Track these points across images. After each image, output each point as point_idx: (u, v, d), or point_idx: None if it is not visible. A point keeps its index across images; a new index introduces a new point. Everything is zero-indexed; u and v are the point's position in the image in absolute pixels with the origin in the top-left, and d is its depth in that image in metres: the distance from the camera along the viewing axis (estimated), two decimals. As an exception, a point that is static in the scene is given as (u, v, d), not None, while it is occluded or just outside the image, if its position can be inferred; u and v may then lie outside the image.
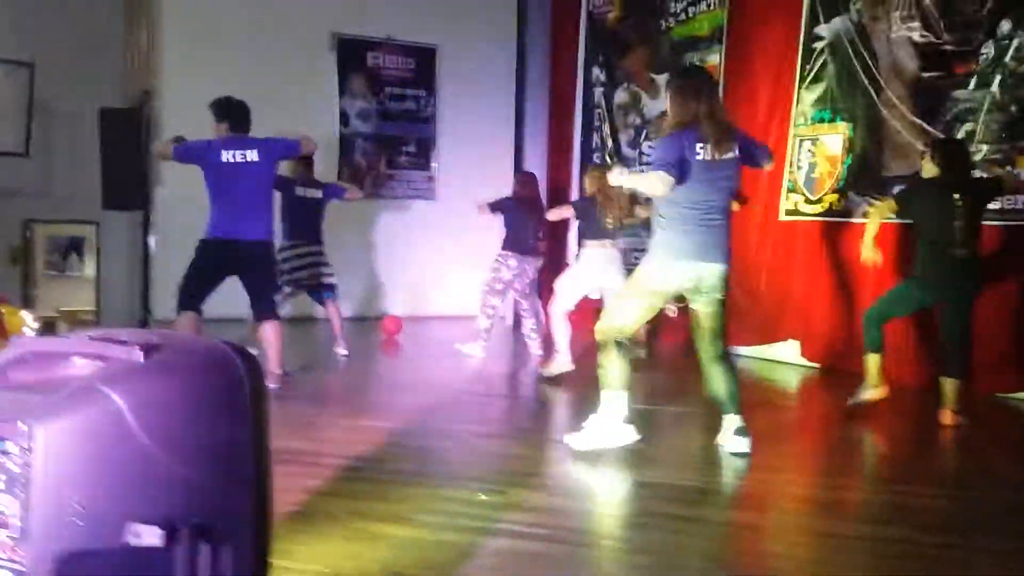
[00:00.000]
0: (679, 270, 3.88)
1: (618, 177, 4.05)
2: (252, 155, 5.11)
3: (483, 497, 3.25)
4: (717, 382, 4.00)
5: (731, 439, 3.97)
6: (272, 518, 1.71)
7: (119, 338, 1.57)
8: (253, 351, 1.72)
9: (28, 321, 5.32)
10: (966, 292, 4.76)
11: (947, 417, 4.64)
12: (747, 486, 3.75)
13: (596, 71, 9.81)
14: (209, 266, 5.13)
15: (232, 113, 5.21)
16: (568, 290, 6.02)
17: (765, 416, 5.27)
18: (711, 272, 3.88)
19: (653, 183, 3.79)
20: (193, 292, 5.12)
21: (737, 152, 3.92)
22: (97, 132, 7.37)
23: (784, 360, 7.07)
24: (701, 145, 3.79)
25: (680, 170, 3.75)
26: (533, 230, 6.87)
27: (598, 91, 9.76)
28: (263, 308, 5.29)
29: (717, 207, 3.89)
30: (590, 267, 5.91)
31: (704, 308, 3.95)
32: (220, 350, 1.63)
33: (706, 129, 3.80)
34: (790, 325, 7.10)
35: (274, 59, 9.47)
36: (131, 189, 7.21)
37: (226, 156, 5.07)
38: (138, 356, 1.50)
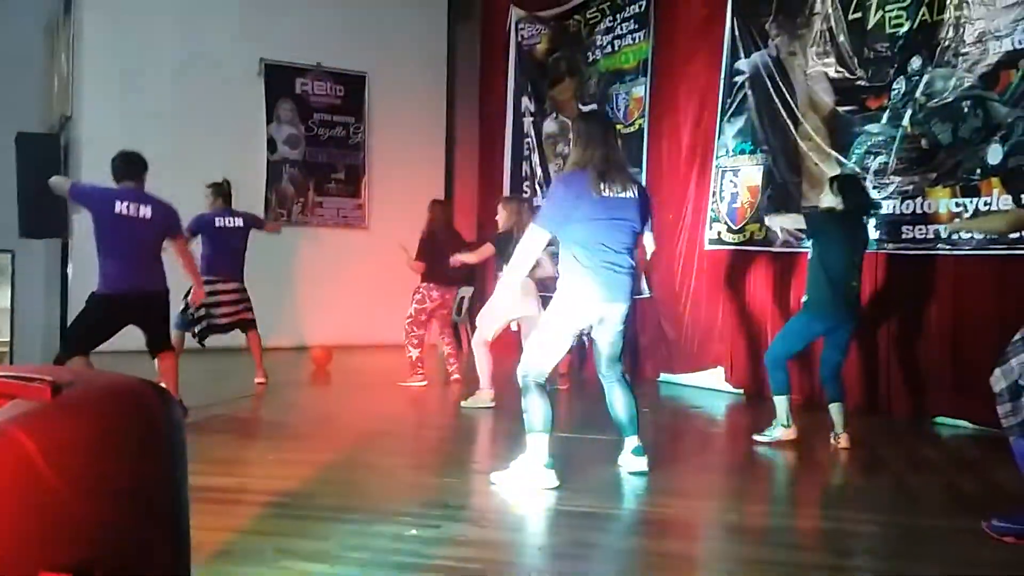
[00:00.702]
0: (587, 310, 4.05)
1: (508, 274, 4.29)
2: (145, 212, 5.08)
3: (413, 532, 3.20)
4: (617, 404, 4.22)
5: (629, 459, 4.20)
6: (190, 559, 1.66)
7: (28, 375, 1.51)
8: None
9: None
10: (854, 322, 4.96)
11: (844, 440, 4.83)
12: (674, 514, 3.77)
13: (525, 101, 9.91)
14: (109, 320, 5.07)
15: (126, 166, 5.17)
16: (487, 322, 6.08)
17: (690, 443, 5.34)
18: (615, 310, 4.08)
19: (529, 242, 3.92)
20: (85, 341, 5.04)
21: (636, 194, 4.05)
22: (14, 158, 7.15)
23: (711, 387, 7.18)
24: (598, 183, 3.92)
25: (571, 215, 3.88)
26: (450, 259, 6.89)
27: (527, 121, 9.86)
28: (159, 342, 5.32)
29: (622, 247, 4.01)
30: (507, 298, 5.94)
31: (605, 338, 4.17)
32: (133, 386, 1.58)
33: (601, 167, 3.94)
34: (716, 352, 7.23)
35: (200, 84, 9.34)
36: (49, 216, 7.01)
37: (120, 208, 5.01)
38: (46, 395, 1.45)
